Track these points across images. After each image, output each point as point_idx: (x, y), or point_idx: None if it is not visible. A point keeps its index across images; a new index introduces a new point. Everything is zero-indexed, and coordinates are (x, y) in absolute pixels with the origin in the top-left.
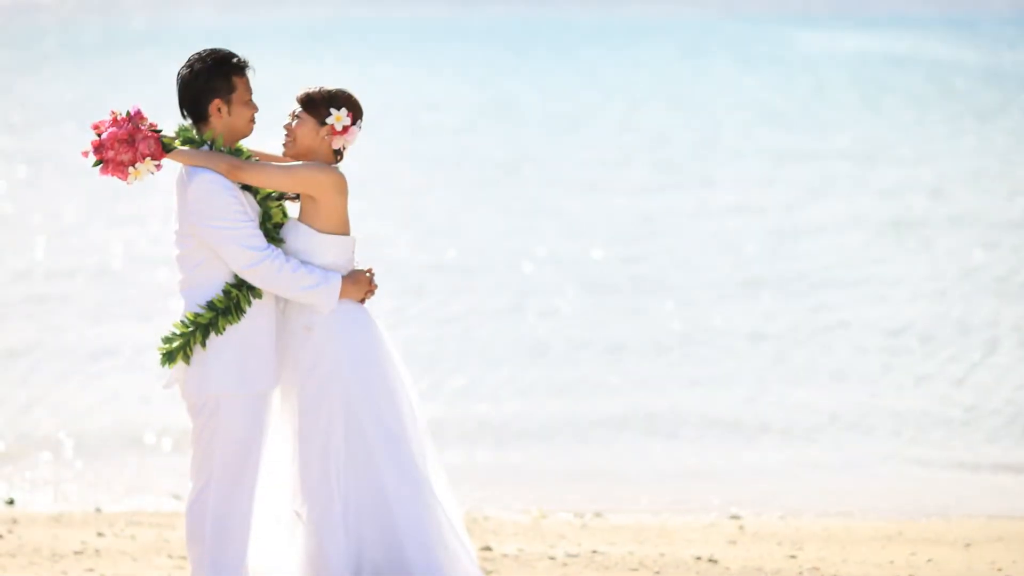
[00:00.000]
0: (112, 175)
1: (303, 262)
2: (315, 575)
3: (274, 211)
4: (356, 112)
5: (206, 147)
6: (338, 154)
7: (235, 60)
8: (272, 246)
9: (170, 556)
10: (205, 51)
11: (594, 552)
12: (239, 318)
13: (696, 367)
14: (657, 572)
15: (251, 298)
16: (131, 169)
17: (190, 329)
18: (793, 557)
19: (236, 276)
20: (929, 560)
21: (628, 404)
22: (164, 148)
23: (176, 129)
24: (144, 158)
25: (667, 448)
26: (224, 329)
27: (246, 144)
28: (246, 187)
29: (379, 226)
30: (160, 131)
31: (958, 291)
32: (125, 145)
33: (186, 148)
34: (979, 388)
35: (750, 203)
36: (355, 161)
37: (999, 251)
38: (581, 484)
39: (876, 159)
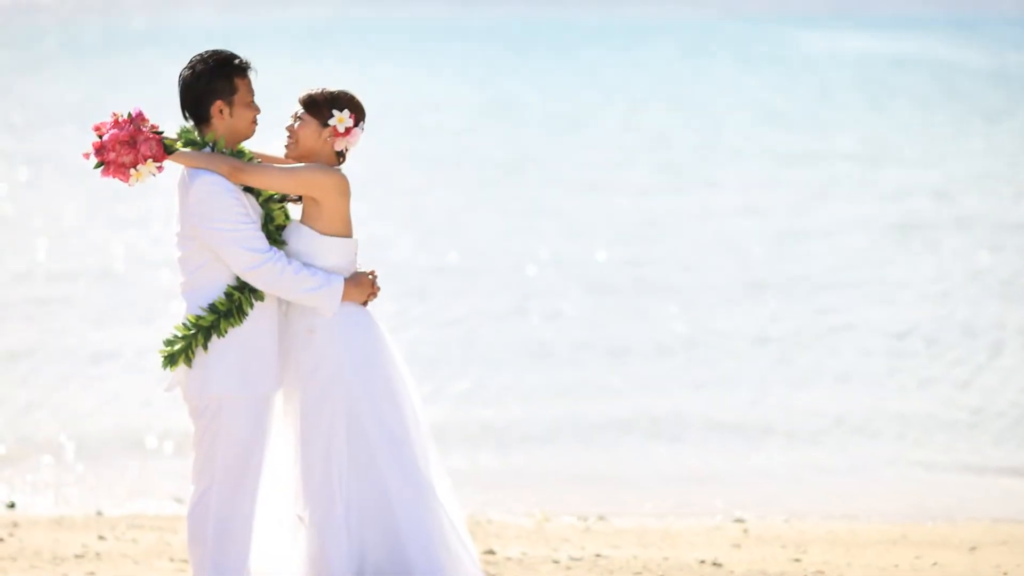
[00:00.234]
0: (113, 177)
1: (305, 264)
2: None
3: (276, 213)
4: (358, 114)
5: (208, 149)
6: (340, 156)
7: (237, 61)
8: (274, 248)
9: (172, 560)
10: (207, 52)
11: (598, 556)
12: (241, 320)
13: (700, 370)
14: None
15: (253, 300)
16: (132, 171)
17: (192, 331)
18: (797, 560)
19: (238, 278)
20: (934, 563)
21: (631, 407)
22: (166, 150)
23: (178, 131)
24: (146, 160)
25: (671, 451)
26: (226, 332)
27: (248, 146)
28: (248, 189)
29: (381, 228)
30: (162, 132)
31: (963, 294)
32: (126, 147)
33: (188, 150)
34: (984, 391)
35: (754, 205)
36: (356, 162)
37: (1005, 253)
38: (584, 487)
39: (881, 161)
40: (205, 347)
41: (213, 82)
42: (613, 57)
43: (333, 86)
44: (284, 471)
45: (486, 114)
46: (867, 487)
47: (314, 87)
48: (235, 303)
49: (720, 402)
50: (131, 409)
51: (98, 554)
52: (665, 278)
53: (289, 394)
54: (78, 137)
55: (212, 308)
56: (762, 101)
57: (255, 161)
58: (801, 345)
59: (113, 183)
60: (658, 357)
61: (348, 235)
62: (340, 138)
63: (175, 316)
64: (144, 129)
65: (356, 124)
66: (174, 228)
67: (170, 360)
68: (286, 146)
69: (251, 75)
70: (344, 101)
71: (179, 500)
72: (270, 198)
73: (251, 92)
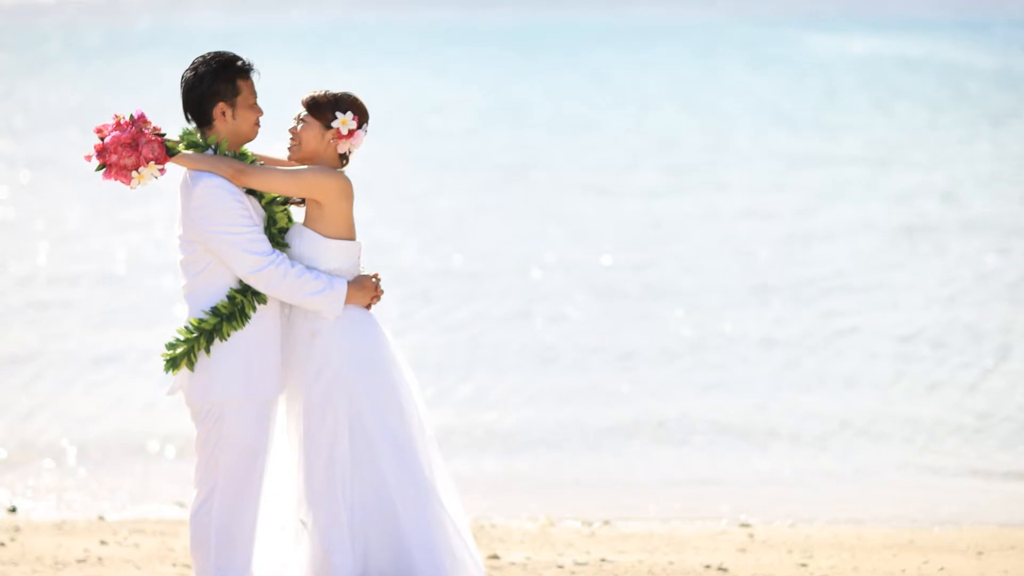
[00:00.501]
0: (115, 179)
1: (308, 267)
2: None
3: (279, 216)
4: (362, 116)
5: (210, 151)
6: (344, 158)
7: (240, 63)
8: (277, 251)
9: (174, 565)
10: (209, 54)
11: (603, 560)
12: (244, 324)
13: (706, 374)
14: None
15: (256, 304)
16: (135, 173)
17: (194, 335)
18: (804, 565)
19: (241, 281)
20: (941, 568)
21: (637, 411)
22: (168, 152)
23: (180, 133)
24: (148, 162)
25: (676, 455)
26: (229, 335)
27: (251, 148)
28: (251, 191)
29: (385, 231)
30: (164, 135)
31: (971, 297)
32: (128, 149)
33: (190, 152)
34: (992, 395)
35: (761, 208)
36: (361, 165)
37: (1013, 256)
38: (589, 491)
39: (888, 163)
40: (208, 351)
41: (216, 84)
42: (620, 59)
43: (336, 88)
44: (287, 475)
45: (492, 117)
46: (874, 492)
47: (317, 89)
48: (237, 306)
49: (726, 406)
50: (133, 413)
51: (100, 559)
52: (671, 281)
53: (292, 398)
54: (80, 140)
55: (214, 311)
56: (770, 103)
57: (258, 163)
58: (807, 349)
59: (115, 186)
60: (664, 361)
61: (351, 238)
62: (343, 140)
63: (177, 320)
64: (146, 131)
65: (359, 126)
66: (176, 231)
67: (172, 364)
68: (289, 148)
69: (254, 77)
70: (347, 103)
71: (181, 504)
72: (273, 200)
73: (254, 94)
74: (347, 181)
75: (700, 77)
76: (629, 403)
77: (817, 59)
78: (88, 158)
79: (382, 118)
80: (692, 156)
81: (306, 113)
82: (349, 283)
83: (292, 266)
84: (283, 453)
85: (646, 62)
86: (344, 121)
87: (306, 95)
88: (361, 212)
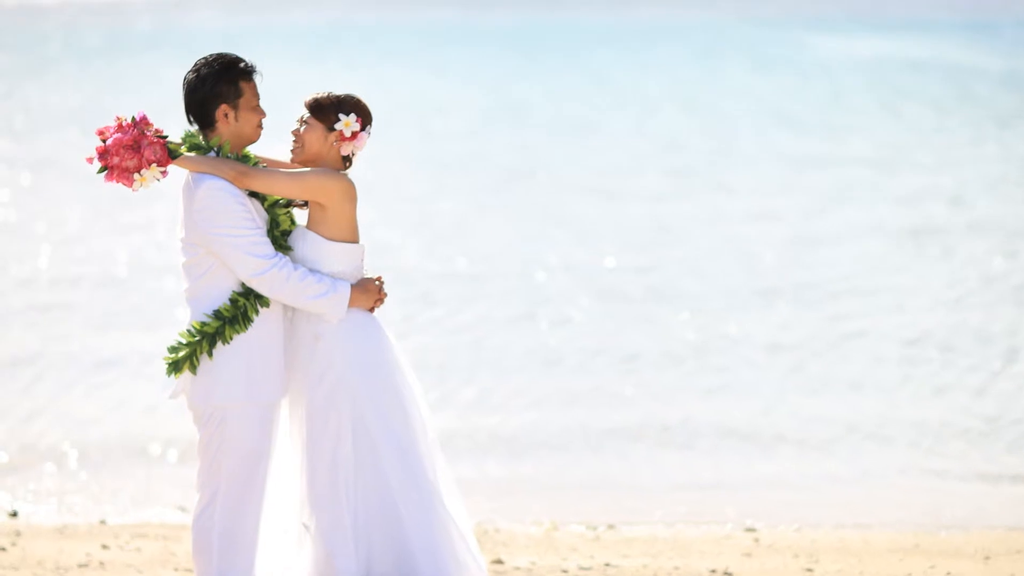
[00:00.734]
0: (117, 182)
1: (311, 270)
2: None
3: (282, 218)
4: (365, 118)
5: (213, 153)
6: (347, 160)
7: (242, 65)
8: (280, 254)
9: (176, 569)
10: (212, 56)
11: (607, 565)
12: (246, 327)
13: (711, 377)
14: None
15: (258, 307)
16: (136, 176)
17: (196, 338)
18: (809, 570)
19: (243, 285)
20: (948, 573)
21: (642, 415)
22: (170, 154)
23: (182, 135)
24: (150, 164)
25: (681, 459)
26: (231, 338)
27: (253, 150)
28: (253, 194)
29: (388, 233)
30: (166, 137)
31: (978, 300)
32: (130, 151)
33: (192, 154)
34: (999, 398)
35: (766, 210)
36: (362, 166)
37: (1020, 259)
38: (594, 495)
39: (895, 166)
40: (210, 354)
41: (218, 86)
42: (623, 60)
43: (339, 90)
44: (290, 479)
45: (495, 118)
46: (880, 495)
47: (320, 91)
48: (240, 309)
49: (731, 410)
50: (135, 417)
51: (102, 563)
52: (675, 284)
53: (295, 401)
54: (81, 141)
55: (217, 314)
56: (774, 105)
57: (260, 165)
58: (813, 352)
59: (117, 188)
60: (669, 364)
61: (355, 240)
62: (346, 142)
63: (180, 323)
64: (148, 133)
65: (363, 128)
66: (178, 234)
67: (174, 367)
68: (292, 150)
69: (256, 79)
70: (350, 105)
71: (184, 509)
72: (276, 203)
73: (256, 96)
74: (350, 183)
75: (702, 78)
76: (633, 406)
77: (821, 61)
78: (90, 160)
79: (383, 118)
80: (695, 158)
81: (309, 115)
82: (352, 286)
83: (295, 269)
84: (286, 457)
85: (647, 63)
86: (347, 123)
87: (309, 97)
88: (364, 214)
